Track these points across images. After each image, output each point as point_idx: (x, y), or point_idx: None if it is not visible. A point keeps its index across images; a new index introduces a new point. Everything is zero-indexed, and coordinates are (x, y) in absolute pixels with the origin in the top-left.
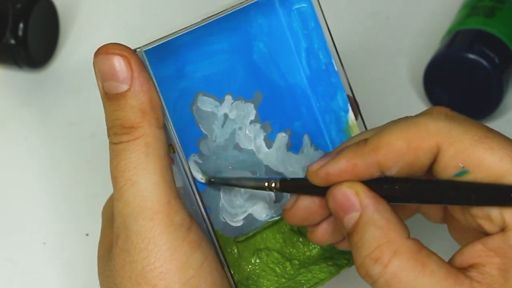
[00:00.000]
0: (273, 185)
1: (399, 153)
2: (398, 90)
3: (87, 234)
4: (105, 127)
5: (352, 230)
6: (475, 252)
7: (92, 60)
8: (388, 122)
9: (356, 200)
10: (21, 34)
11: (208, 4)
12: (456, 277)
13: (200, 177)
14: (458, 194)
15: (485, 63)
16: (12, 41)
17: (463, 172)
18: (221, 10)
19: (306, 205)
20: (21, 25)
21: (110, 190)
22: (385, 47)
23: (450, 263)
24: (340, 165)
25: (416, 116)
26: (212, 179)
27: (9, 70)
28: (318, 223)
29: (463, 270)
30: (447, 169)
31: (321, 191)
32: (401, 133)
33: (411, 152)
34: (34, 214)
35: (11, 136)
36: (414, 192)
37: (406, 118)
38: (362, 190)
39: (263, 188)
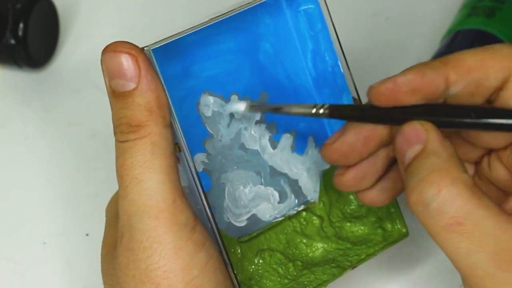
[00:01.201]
0: (321, 111)
1: (469, 68)
2: None
3: (87, 234)
4: (105, 127)
5: (412, 160)
6: None
7: (92, 60)
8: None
9: (424, 134)
10: (21, 34)
11: (207, 4)
12: (508, 216)
13: (242, 105)
14: None
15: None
16: (12, 41)
17: None
18: (229, 10)
19: (352, 141)
20: (21, 25)
21: (110, 190)
22: (385, 48)
23: None
24: (409, 75)
25: (490, 44)
26: (253, 107)
27: (9, 70)
28: (349, 167)
29: None
30: None
31: (374, 118)
32: (474, 53)
33: (482, 69)
34: (34, 214)
35: (11, 136)
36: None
37: (479, 47)
38: (432, 127)
39: (310, 114)
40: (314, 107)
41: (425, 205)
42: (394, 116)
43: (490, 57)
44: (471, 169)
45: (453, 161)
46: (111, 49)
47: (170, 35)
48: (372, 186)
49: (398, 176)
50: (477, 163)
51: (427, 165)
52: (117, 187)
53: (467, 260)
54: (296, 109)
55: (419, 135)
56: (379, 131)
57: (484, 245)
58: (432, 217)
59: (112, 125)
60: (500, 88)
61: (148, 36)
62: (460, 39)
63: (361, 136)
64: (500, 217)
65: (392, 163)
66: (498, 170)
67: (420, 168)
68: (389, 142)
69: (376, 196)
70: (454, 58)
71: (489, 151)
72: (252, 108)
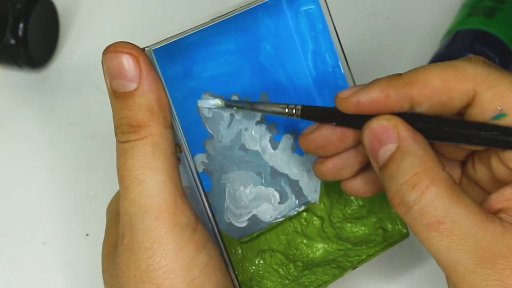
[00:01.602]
0: (293, 111)
1: (433, 90)
2: None
3: (87, 234)
4: (105, 127)
5: (387, 161)
6: (504, 196)
7: (92, 60)
8: (425, 65)
9: (394, 132)
10: (21, 34)
11: (206, 4)
12: (487, 214)
13: (217, 101)
14: (491, 134)
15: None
16: (12, 41)
17: (501, 114)
18: (229, 11)
19: (327, 134)
20: (21, 25)
21: (110, 190)
22: (385, 48)
23: None
24: (373, 94)
25: (455, 60)
26: (228, 103)
27: (9, 70)
28: (329, 156)
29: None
30: (485, 112)
31: (344, 121)
32: (438, 72)
33: (446, 92)
34: (34, 214)
35: (11, 136)
36: (448, 128)
37: (444, 62)
38: (401, 123)
39: (283, 113)
40: (287, 107)
41: (408, 207)
42: (363, 122)
43: (455, 78)
44: (458, 169)
45: (430, 158)
46: (112, 49)
47: (171, 35)
48: (355, 176)
49: None
50: (464, 164)
51: (405, 167)
52: (117, 187)
53: (448, 258)
54: (269, 108)
55: (388, 133)
56: (354, 129)
57: (464, 243)
58: (415, 218)
59: (112, 125)
60: (466, 106)
61: (148, 36)
62: (460, 39)
63: (337, 131)
64: (479, 215)
65: None
66: (481, 171)
67: (398, 170)
68: None
69: (359, 186)
70: (419, 78)
71: (473, 152)
72: (227, 104)
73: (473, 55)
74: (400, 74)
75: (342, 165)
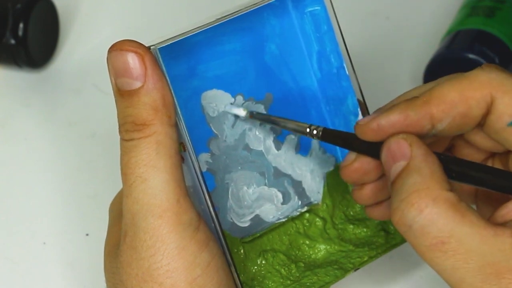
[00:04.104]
0: (314, 132)
1: (451, 103)
2: (398, 90)
3: (87, 234)
4: (105, 127)
5: (395, 177)
6: None
7: (92, 60)
8: (438, 79)
9: (408, 150)
10: (21, 34)
11: (206, 4)
12: (495, 228)
13: (241, 110)
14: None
15: (485, 63)
16: (12, 41)
17: None
18: (235, 11)
19: (364, 165)
20: (21, 25)
21: (110, 190)
22: (385, 47)
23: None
24: (392, 117)
25: (467, 72)
26: (253, 113)
27: (9, 70)
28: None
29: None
30: (502, 117)
31: (363, 150)
32: (453, 85)
33: (464, 102)
34: (34, 214)
35: (11, 136)
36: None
37: (457, 74)
38: (416, 142)
39: (303, 133)
40: (309, 127)
41: (408, 226)
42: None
43: (470, 87)
44: None
45: (435, 178)
46: (118, 47)
47: (176, 34)
48: (380, 203)
49: None
50: None
51: (408, 184)
52: (117, 187)
53: (453, 277)
54: (291, 125)
55: (403, 150)
56: None
57: (469, 261)
58: (416, 237)
59: (113, 125)
60: (486, 114)
61: (148, 36)
62: (460, 39)
63: (370, 161)
64: (485, 231)
65: None
66: None
67: (402, 187)
68: None
69: (384, 211)
70: (436, 95)
71: (493, 154)
72: (251, 116)
73: (485, 64)
74: (416, 96)
75: (375, 191)
